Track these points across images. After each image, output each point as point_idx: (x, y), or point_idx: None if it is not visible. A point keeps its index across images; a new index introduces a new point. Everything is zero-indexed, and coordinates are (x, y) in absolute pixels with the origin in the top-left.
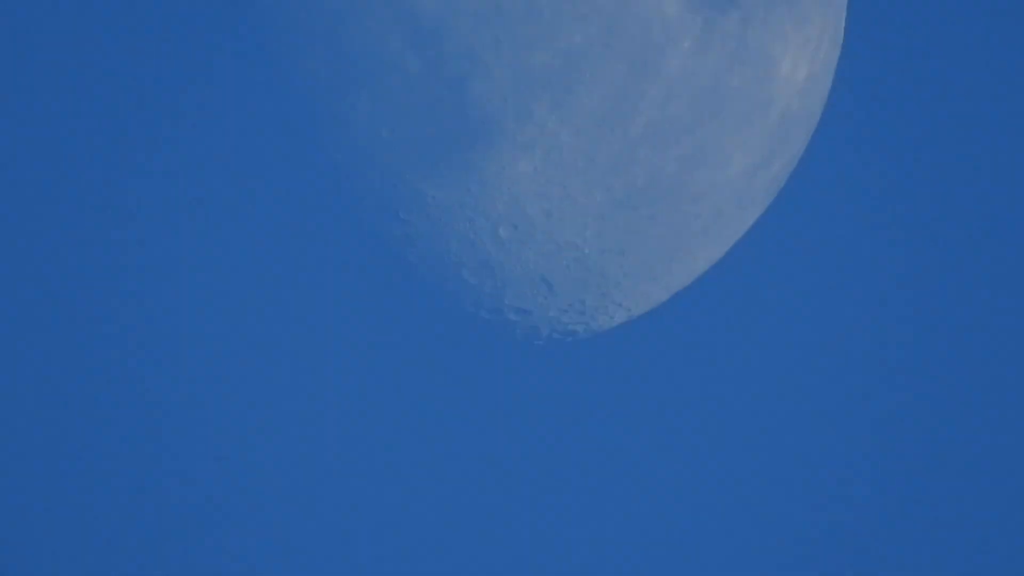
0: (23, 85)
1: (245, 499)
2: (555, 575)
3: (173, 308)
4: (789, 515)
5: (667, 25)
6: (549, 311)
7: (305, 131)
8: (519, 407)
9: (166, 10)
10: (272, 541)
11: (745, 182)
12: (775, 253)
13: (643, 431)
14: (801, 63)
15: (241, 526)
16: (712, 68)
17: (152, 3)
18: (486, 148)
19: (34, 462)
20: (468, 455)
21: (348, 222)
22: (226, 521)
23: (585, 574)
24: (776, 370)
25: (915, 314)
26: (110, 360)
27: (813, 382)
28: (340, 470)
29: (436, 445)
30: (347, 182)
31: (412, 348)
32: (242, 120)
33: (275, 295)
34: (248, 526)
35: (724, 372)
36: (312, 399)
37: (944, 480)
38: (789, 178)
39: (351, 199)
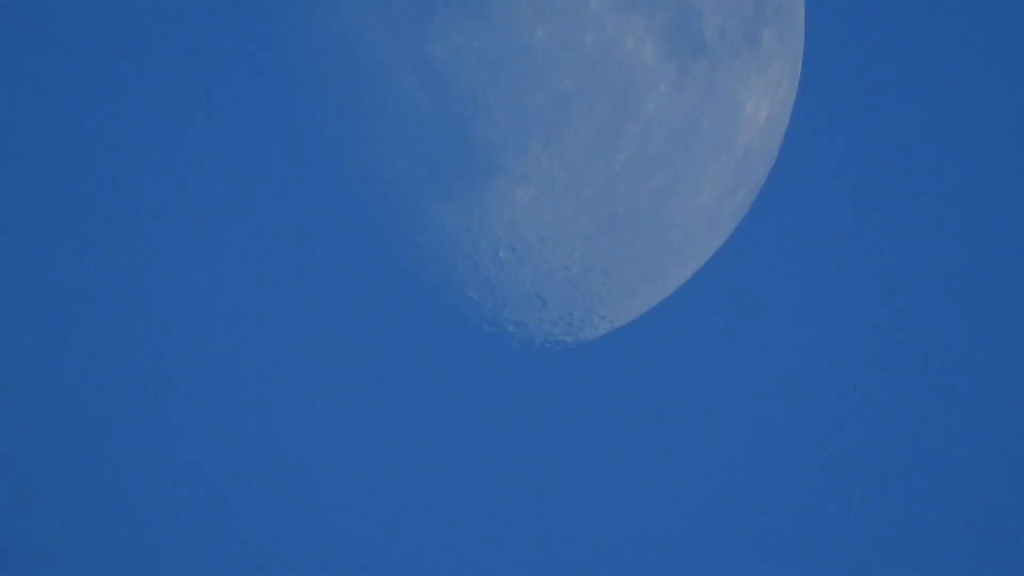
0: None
1: (256, 499)
2: (550, 563)
3: (206, 320)
4: (762, 510)
5: (645, 71)
6: (542, 323)
7: (329, 163)
8: (516, 407)
9: (204, 61)
10: (277, 541)
11: (714, 209)
12: (741, 272)
13: (624, 428)
14: (762, 105)
15: (248, 527)
16: (685, 109)
17: (190, 53)
18: (488, 180)
19: (33, 462)
20: (470, 448)
21: (367, 244)
22: (231, 523)
23: (575, 562)
24: (741, 374)
25: (866, 322)
26: (141, 365)
27: (774, 385)
28: (355, 460)
29: (442, 440)
30: (366, 209)
31: (422, 355)
32: (275, 154)
33: (303, 308)
34: (255, 527)
35: (695, 376)
36: (332, 401)
37: (922, 481)
38: (752, 205)
39: (370, 224)
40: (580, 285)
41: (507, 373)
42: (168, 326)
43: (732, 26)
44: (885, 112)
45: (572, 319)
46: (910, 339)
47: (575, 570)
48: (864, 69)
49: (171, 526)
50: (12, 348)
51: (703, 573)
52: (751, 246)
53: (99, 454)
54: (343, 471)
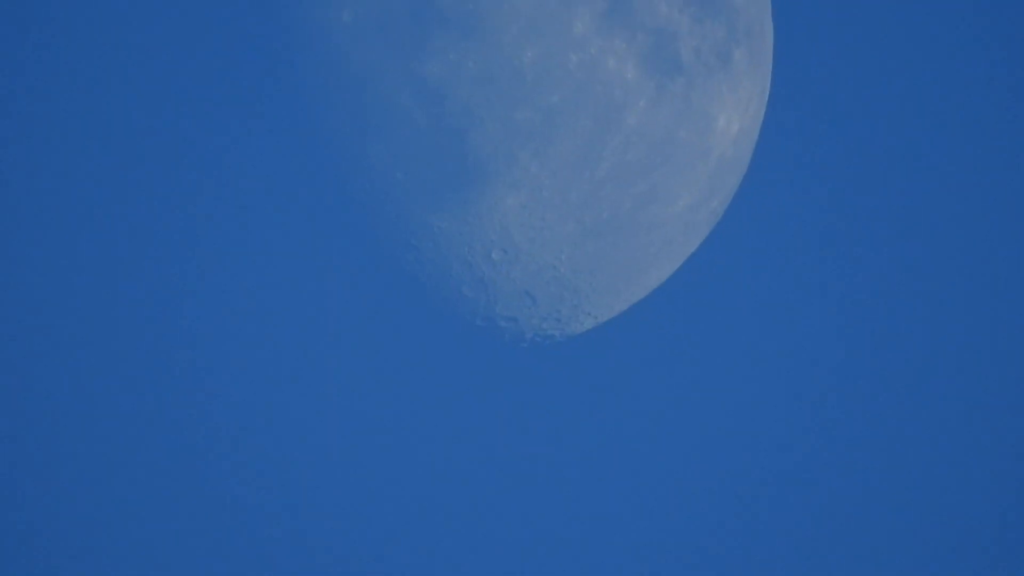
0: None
1: (261, 490)
2: (542, 547)
3: (211, 321)
4: (740, 496)
5: (627, 88)
6: (532, 319)
7: (332, 173)
8: (508, 396)
9: (213, 75)
10: (280, 538)
11: (689, 215)
12: (715, 272)
13: (608, 416)
14: (734, 119)
15: (249, 524)
16: (663, 123)
17: (200, 66)
18: (481, 187)
19: (33, 461)
20: (465, 434)
21: (368, 248)
22: (232, 521)
23: (567, 549)
24: (716, 365)
25: (830, 317)
26: (148, 365)
27: (747, 375)
28: (356, 442)
29: (439, 425)
30: (367, 215)
31: (421, 348)
32: (279, 164)
33: (311, 303)
34: (257, 523)
35: (674, 367)
36: (336, 389)
37: (902, 479)
38: (725, 212)
39: (370, 229)
40: (567, 284)
41: (500, 365)
42: (180, 319)
43: (706, 47)
44: (848, 126)
45: (560, 315)
46: (874, 331)
47: (564, 549)
48: (829, 87)
49: (172, 526)
50: (12, 348)
51: (683, 558)
52: (724, 248)
53: (102, 454)
54: (345, 451)
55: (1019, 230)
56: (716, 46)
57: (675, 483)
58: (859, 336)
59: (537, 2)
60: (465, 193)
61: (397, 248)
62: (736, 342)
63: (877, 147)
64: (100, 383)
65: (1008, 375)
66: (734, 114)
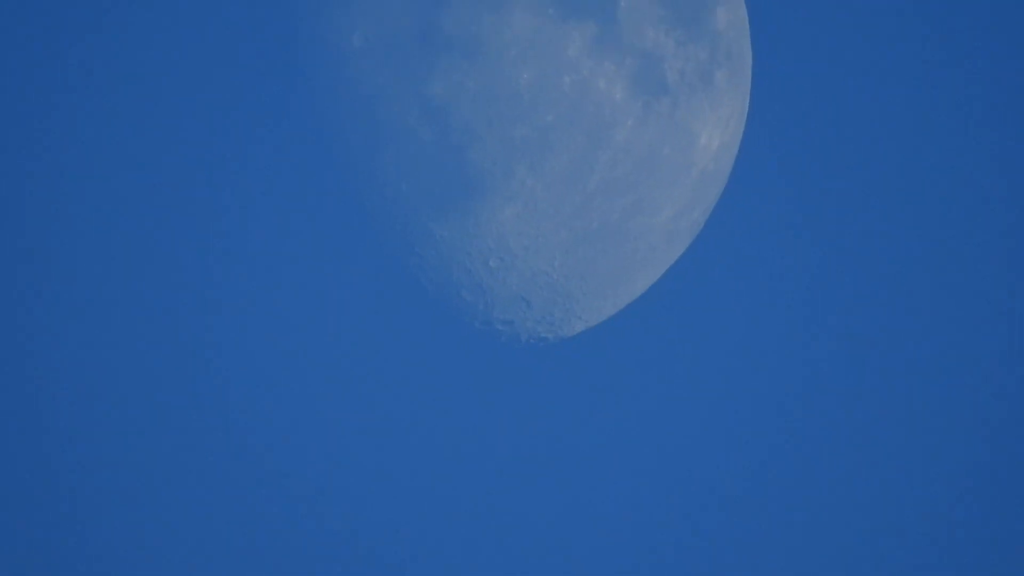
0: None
1: (265, 488)
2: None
3: (220, 322)
4: (729, 489)
5: (615, 108)
6: (527, 322)
7: (345, 185)
8: (504, 394)
9: (237, 95)
10: (283, 537)
11: (673, 225)
12: (697, 279)
13: (598, 413)
14: (715, 136)
15: (252, 523)
16: (649, 139)
17: (225, 88)
18: (480, 199)
19: (33, 461)
20: (463, 430)
21: (377, 252)
22: (236, 521)
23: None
24: (698, 365)
25: (803, 320)
26: (159, 365)
27: (727, 375)
28: (360, 437)
29: (439, 422)
30: (375, 223)
31: (423, 349)
32: (295, 176)
33: (321, 306)
34: (260, 522)
35: (660, 367)
36: (343, 387)
37: (892, 478)
38: (706, 221)
39: (378, 236)
40: (560, 289)
41: (496, 365)
42: (196, 321)
43: (689, 69)
44: (822, 143)
45: (553, 319)
46: (849, 332)
47: (563, 539)
48: (804, 106)
49: (174, 526)
50: (12, 349)
51: (672, 550)
52: (706, 256)
53: (105, 455)
54: (350, 445)
55: (996, 241)
56: (699, 68)
57: (661, 477)
58: (835, 335)
59: (534, 28)
60: (465, 204)
61: (402, 254)
62: (718, 343)
63: (850, 161)
64: (122, 386)
65: (988, 386)
66: (715, 131)
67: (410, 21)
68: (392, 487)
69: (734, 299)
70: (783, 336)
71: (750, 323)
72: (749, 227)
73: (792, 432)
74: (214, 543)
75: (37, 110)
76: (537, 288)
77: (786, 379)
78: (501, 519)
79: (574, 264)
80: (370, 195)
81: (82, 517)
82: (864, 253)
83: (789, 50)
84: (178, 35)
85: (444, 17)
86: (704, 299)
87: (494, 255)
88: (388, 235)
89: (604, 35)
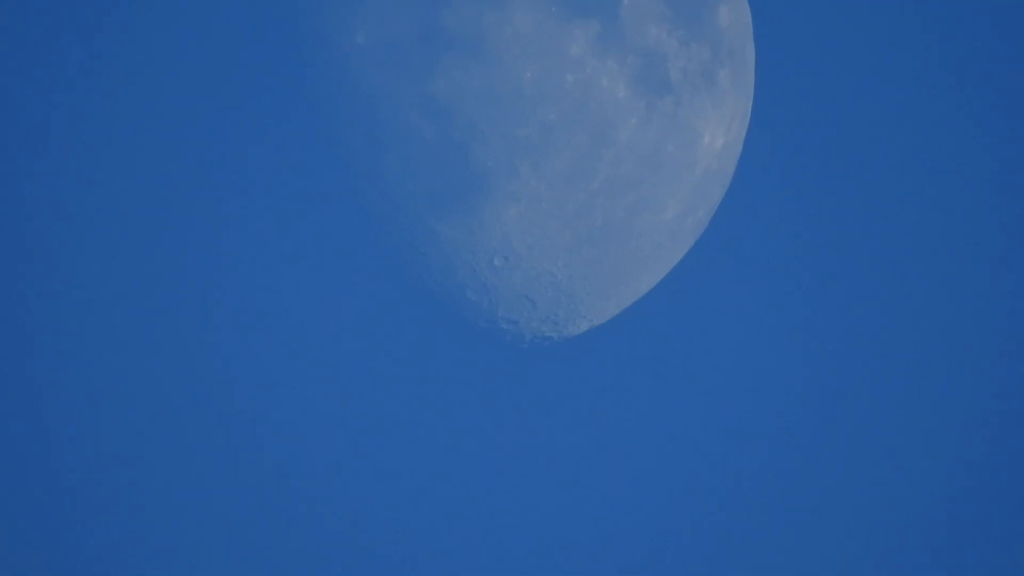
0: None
1: (269, 486)
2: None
3: (223, 321)
4: (730, 487)
5: (619, 106)
6: (531, 322)
7: (348, 184)
8: (508, 393)
9: (241, 94)
10: (285, 535)
11: (677, 224)
12: (701, 277)
13: (602, 412)
14: (718, 135)
15: (255, 522)
16: (652, 138)
17: (229, 87)
18: (484, 198)
19: (34, 461)
20: (467, 429)
21: (382, 252)
22: (239, 520)
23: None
24: (702, 364)
25: (807, 320)
26: (167, 364)
27: (730, 374)
28: (367, 434)
29: (444, 421)
30: (378, 222)
31: (428, 348)
32: (300, 175)
33: (326, 305)
34: (263, 521)
35: (663, 367)
36: (344, 388)
37: (889, 480)
38: (710, 221)
39: (381, 235)
40: (564, 288)
41: (501, 364)
42: (199, 321)
43: (692, 68)
44: (826, 142)
45: (557, 318)
46: (851, 329)
47: (565, 537)
48: (807, 105)
49: (176, 525)
50: (13, 349)
51: (679, 550)
52: (709, 255)
53: (106, 455)
54: (355, 442)
55: (1001, 236)
56: (702, 67)
57: (665, 475)
58: (840, 334)
59: (536, 26)
60: (469, 203)
61: (406, 254)
62: (722, 342)
63: (853, 159)
64: (124, 387)
65: (989, 387)
66: (718, 130)
67: (413, 20)
68: (396, 486)
69: (738, 298)
70: (787, 335)
71: (754, 322)
72: (753, 226)
73: (798, 431)
74: (217, 542)
75: (37, 110)
76: (541, 287)
77: (791, 378)
78: (506, 518)
79: (578, 263)
80: (373, 194)
81: (82, 517)
82: (868, 252)
83: (792, 49)
84: (179, 34)
85: (447, 16)
86: (708, 298)
87: (498, 254)
88: (391, 234)
89: (607, 34)
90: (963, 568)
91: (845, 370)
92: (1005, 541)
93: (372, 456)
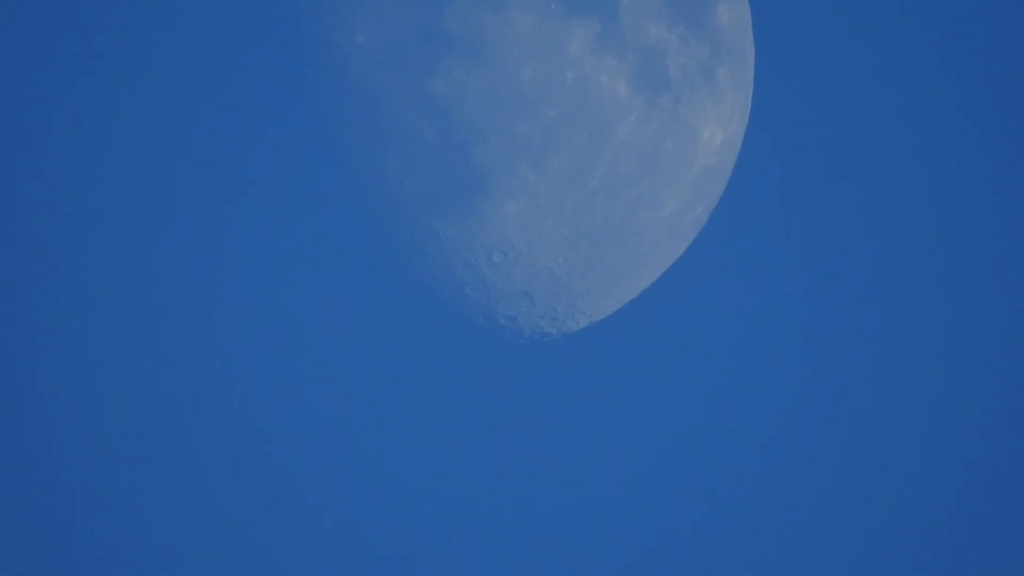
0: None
1: (269, 486)
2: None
3: (224, 320)
4: (729, 485)
5: (618, 104)
6: (530, 318)
7: (349, 183)
8: (507, 389)
9: (242, 94)
10: (285, 535)
11: (676, 221)
12: (699, 274)
13: (601, 408)
14: (717, 132)
15: (254, 523)
16: (651, 135)
17: (230, 87)
18: (483, 196)
19: (34, 461)
20: (466, 425)
21: (378, 251)
22: (238, 521)
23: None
24: (700, 361)
25: (804, 318)
26: (167, 365)
27: (728, 370)
28: (367, 429)
29: (443, 416)
30: (380, 222)
31: (428, 344)
32: (300, 174)
33: (327, 303)
34: (262, 521)
35: (662, 362)
36: (345, 385)
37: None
38: (709, 218)
39: (381, 234)
40: (563, 285)
41: (500, 360)
42: (201, 319)
43: (692, 65)
44: (825, 139)
45: (556, 314)
46: (849, 327)
47: (564, 536)
48: (806, 102)
49: (176, 525)
50: (12, 349)
51: (672, 547)
52: (708, 253)
53: (107, 456)
54: (355, 439)
55: (1001, 235)
56: (701, 64)
57: (664, 472)
58: (838, 332)
59: (536, 24)
60: (469, 201)
61: (406, 251)
62: (720, 339)
63: (852, 157)
64: (124, 388)
65: (989, 388)
66: (717, 127)
67: (412, 19)
68: (395, 483)
69: (737, 295)
70: (786, 332)
71: (752, 319)
72: (752, 223)
73: (796, 428)
74: (216, 542)
75: (37, 110)
76: (540, 284)
77: (789, 375)
78: (505, 515)
79: (577, 260)
80: (373, 193)
81: (83, 517)
82: (866, 249)
83: (791, 46)
84: (180, 35)
85: (446, 15)
86: (707, 295)
87: (497, 251)
88: (392, 232)
89: (606, 31)
90: (963, 568)
91: (844, 367)
92: (1005, 541)
93: (371, 453)
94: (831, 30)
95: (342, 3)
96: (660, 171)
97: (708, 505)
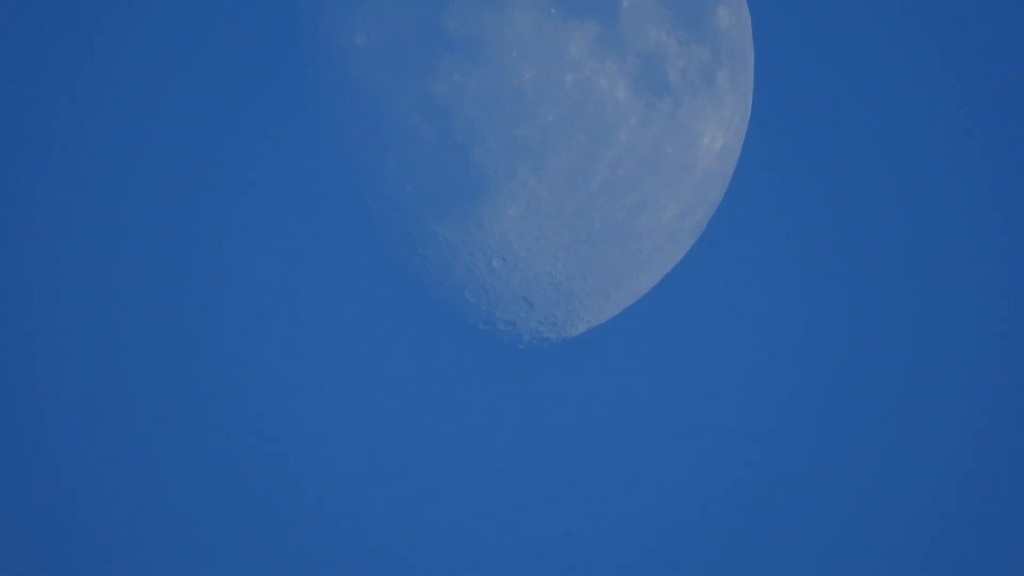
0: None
1: (268, 487)
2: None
3: (222, 322)
4: (728, 487)
5: (618, 107)
6: (529, 323)
7: (347, 185)
8: (506, 394)
9: (242, 95)
10: (283, 537)
11: (676, 225)
12: (700, 278)
13: (600, 414)
14: (718, 136)
15: (253, 524)
16: (651, 139)
17: (230, 88)
18: (483, 199)
19: (35, 462)
20: (465, 430)
21: (377, 254)
22: (237, 522)
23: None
24: (700, 366)
25: (804, 321)
26: (166, 365)
27: (729, 375)
28: (365, 434)
29: (442, 422)
30: (378, 224)
31: (426, 349)
32: (300, 176)
33: (325, 307)
34: (261, 523)
35: (662, 368)
36: (343, 389)
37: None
38: (709, 222)
39: (382, 237)
40: (562, 289)
41: (499, 365)
42: (200, 321)
43: (692, 69)
44: (826, 143)
45: (556, 319)
46: (848, 331)
47: (564, 539)
48: (807, 106)
49: (174, 526)
50: (12, 349)
51: (671, 550)
52: (708, 257)
53: (107, 456)
54: (354, 443)
55: (1001, 237)
56: (701, 68)
57: (664, 477)
58: (839, 336)
59: (535, 27)
60: (468, 204)
61: (406, 255)
62: (721, 344)
63: (852, 161)
64: (121, 389)
65: (990, 391)
66: (717, 131)
67: (412, 21)
68: (394, 487)
69: (737, 300)
70: (786, 337)
71: (753, 324)
72: (752, 228)
73: (796, 432)
74: (215, 543)
75: (35, 110)
76: (540, 288)
77: (789, 379)
78: (504, 520)
79: (577, 264)
80: (372, 196)
81: (83, 517)
82: (866, 253)
83: (791, 50)
84: (178, 35)
85: (446, 17)
86: (707, 300)
87: (497, 255)
88: (391, 236)
89: (606, 34)
90: (962, 568)
91: (843, 371)
92: (1005, 541)
93: (370, 457)
94: (831, 33)
95: (342, 4)
96: (660, 175)
97: (707, 511)
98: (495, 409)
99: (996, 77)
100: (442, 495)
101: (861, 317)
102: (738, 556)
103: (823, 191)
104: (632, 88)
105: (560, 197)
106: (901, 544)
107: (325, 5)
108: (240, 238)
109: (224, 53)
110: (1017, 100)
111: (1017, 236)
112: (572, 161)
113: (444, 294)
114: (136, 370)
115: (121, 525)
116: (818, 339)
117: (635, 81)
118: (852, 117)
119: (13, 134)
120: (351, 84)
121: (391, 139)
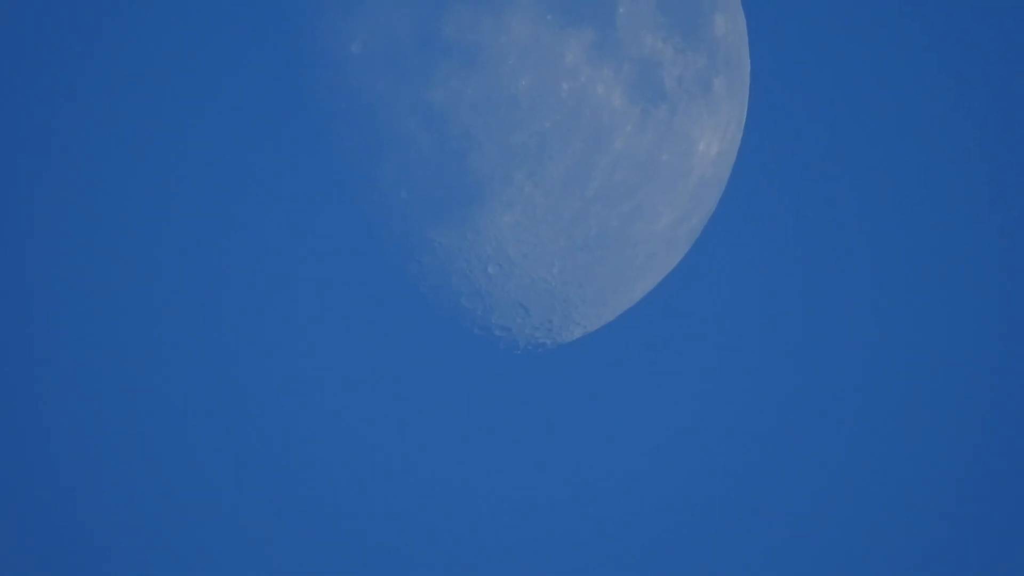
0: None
1: (266, 490)
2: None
3: (217, 328)
4: (722, 498)
5: (614, 114)
6: (525, 329)
7: (344, 191)
8: (502, 400)
9: (238, 102)
10: (282, 540)
11: (671, 232)
12: (695, 285)
13: (596, 419)
14: (713, 143)
15: (252, 526)
16: (647, 146)
17: (226, 95)
18: (479, 206)
19: (35, 462)
20: (461, 436)
21: (373, 260)
22: (235, 524)
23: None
24: (695, 371)
25: (798, 327)
26: (164, 365)
27: (722, 380)
28: (360, 441)
29: (437, 427)
30: (375, 231)
31: (422, 355)
32: (296, 183)
33: (321, 313)
34: (260, 525)
35: (657, 373)
36: (339, 395)
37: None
38: (704, 229)
39: (378, 244)
40: (558, 296)
41: (495, 371)
42: (194, 327)
43: (688, 76)
44: (820, 150)
45: (551, 325)
46: (844, 336)
47: (559, 543)
48: (802, 113)
49: (173, 526)
50: (12, 349)
51: (667, 556)
52: (704, 263)
53: (107, 456)
54: (349, 449)
55: (996, 247)
56: (697, 75)
57: (659, 483)
58: (833, 343)
59: (532, 34)
60: (464, 211)
61: (402, 261)
62: (716, 350)
63: (848, 168)
64: (118, 391)
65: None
66: (713, 138)
67: (409, 28)
68: (390, 494)
69: (732, 306)
70: (781, 343)
71: (748, 330)
72: (747, 234)
73: (791, 440)
74: (214, 544)
75: (34, 110)
76: (535, 295)
77: (784, 386)
78: (501, 525)
79: (572, 271)
80: (369, 202)
81: (83, 516)
82: (862, 260)
83: (787, 57)
84: (176, 42)
85: (443, 24)
86: (702, 306)
87: (493, 262)
88: (387, 242)
89: (602, 42)
90: (962, 568)
91: (838, 379)
92: (1004, 541)
93: (367, 463)
94: (827, 40)
95: (339, 11)
96: (656, 181)
97: (703, 517)
98: (491, 415)
99: (994, 80)
100: (439, 500)
101: (856, 324)
102: (733, 563)
103: (818, 198)
104: (628, 95)
105: (556, 203)
106: (901, 544)
107: (322, 11)
108: (237, 244)
109: (222, 59)
110: (1014, 102)
111: (1013, 239)
112: (568, 167)
113: (440, 300)
114: (132, 377)
115: (121, 525)
116: (813, 345)
117: (631, 88)
118: (848, 123)
119: (12, 134)
120: (348, 90)
121: (387, 145)
